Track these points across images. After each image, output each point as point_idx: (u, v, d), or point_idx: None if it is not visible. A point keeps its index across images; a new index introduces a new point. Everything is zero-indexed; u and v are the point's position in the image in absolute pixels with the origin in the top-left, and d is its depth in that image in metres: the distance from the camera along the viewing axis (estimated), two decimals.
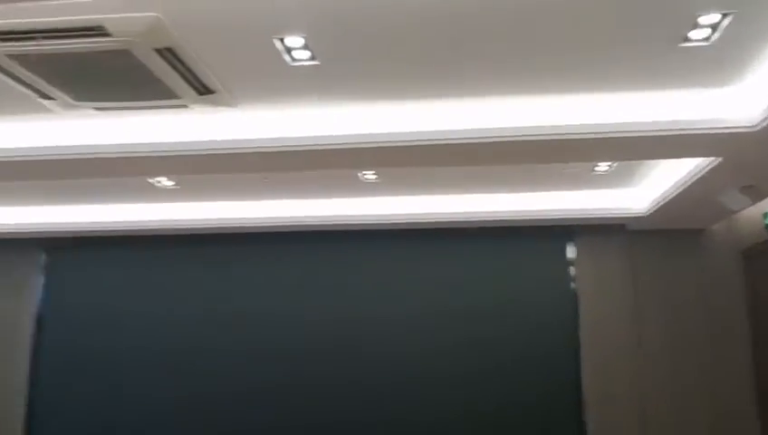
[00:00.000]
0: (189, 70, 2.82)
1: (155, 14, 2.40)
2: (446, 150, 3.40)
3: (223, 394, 5.36)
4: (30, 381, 5.58)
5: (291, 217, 5.10)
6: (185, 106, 3.18)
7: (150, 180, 4.40)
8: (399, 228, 5.25)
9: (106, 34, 2.48)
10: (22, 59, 2.64)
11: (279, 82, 3.02)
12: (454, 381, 5.18)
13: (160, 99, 3.09)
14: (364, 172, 4.30)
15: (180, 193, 4.83)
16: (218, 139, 3.38)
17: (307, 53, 2.75)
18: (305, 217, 5.08)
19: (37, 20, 2.39)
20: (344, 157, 3.51)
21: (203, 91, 3.04)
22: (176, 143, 3.45)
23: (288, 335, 5.42)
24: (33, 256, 5.79)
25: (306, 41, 2.64)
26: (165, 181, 4.49)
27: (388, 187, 4.67)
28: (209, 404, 5.38)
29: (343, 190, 4.80)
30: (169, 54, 2.67)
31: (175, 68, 2.78)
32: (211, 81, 2.96)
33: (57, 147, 3.48)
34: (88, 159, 3.50)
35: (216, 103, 3.18)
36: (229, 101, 3.19)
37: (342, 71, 2.93)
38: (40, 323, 5.72)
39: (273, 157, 3.47)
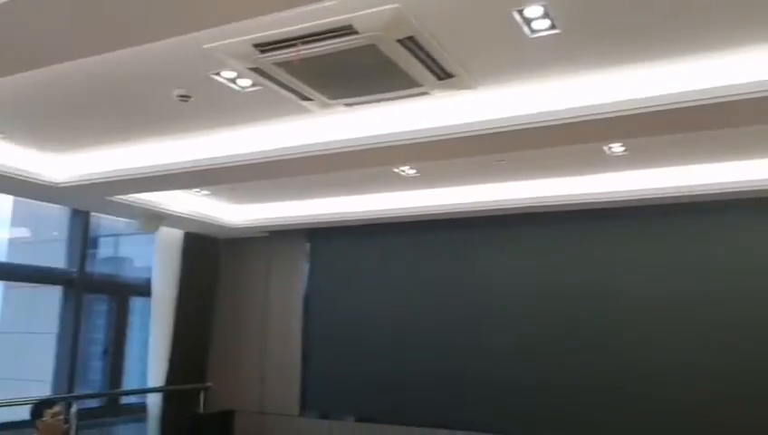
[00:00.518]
0: (430, 56, 2.88)
1: (395, 5, 2.49)
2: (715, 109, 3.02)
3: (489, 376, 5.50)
4: (302, 349, 6.40)
5: (531, 199, 5.00)
6: (426, 93, 3.27)
7: (395, 170, 4.63)
8: (647, 204, 4.86)
9: (353, 32, 2.65)
10: (287, 66, 2.94)
11: (518, 56, 2.95)
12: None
13: (403, 88, 3.22)
14: (610, 145, 4.03)
15: (421, 181, 5.03)
16: (460, 122, 3.41)
17: (546, 22, 2.64)
18: (546, 196, 4.94)
19: (295, 27, 2.63)
20: (595, 128, 3.30)
21: (443, 76, 3.09)
22: (419, 130, 3.57)
23: (549, 312, 5.35)
24: (301, 245, 6.54)
25: (546, 9, 2.53)
26: (408, 170, 4.70)
27: (636, 159, 4.32)
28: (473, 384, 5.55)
29: (588, 166, 4.55)
30: (411, 43, 2.76)
31: (416, 56, 2.86)
32: (451, 65, 2.99)
33: (314, 144, 3.81)
34: (341, 153, 3.78)
35: (456, 87, 3.22)
36: (469, 83, 3.20)
37: (585, 36, 2.75)
38: (306, 303, 6.46)
39: (517, 135, 3.40)
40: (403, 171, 4.71)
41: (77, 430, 5.28)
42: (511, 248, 5.62)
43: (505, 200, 5.09)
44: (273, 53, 2.84)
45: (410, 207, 5.50)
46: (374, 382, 5.98)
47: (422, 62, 2.91)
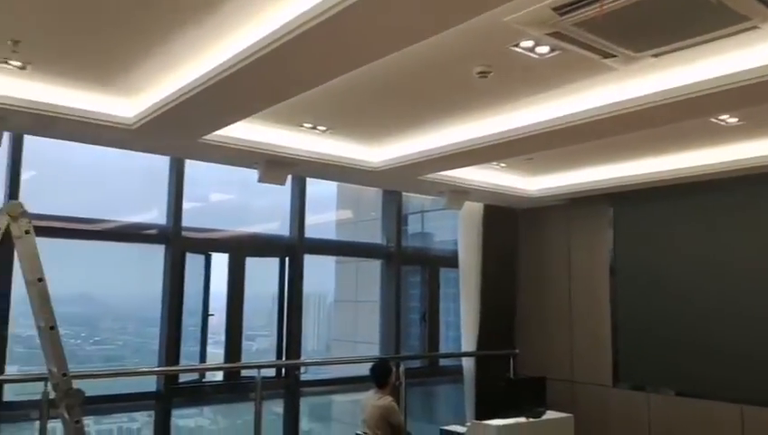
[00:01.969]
0: None
1: None
2: None
3: None
4: (612, 318, 6.19)
5: None
6: (755, 27, 2.85)
7: (714, 120, 4.14)
8: None
9: None
10: (588, 24, 2.83)
11: None
12: None
13: (725, 26, 2.85)
14: None
15: (746, 130, 4.40)
16: None
17: None
18: None
19: None
20: None
21: None
22: (743, 72, 3.13)
23: None
24: (603, 211, 6.31)
25: None
26: (729, 119, 4.16)
27: None
28: None
29: None
30: None
31: None
32: None
33: (621, 102, 3.61)
34: (653, 107, 3.52)
35: None
36: None
37: None
38: (613, 271, 6.21)
39: None
40: (723, 121, 4.18)
41: (406, 386, 5.93)
42: None
43: None
44: (574, 13, 2.75)
45: (731, 161, 4.86)
46: (695, 355, 5.48)
47: None
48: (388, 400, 4.71)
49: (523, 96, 3.90)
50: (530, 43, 3.13)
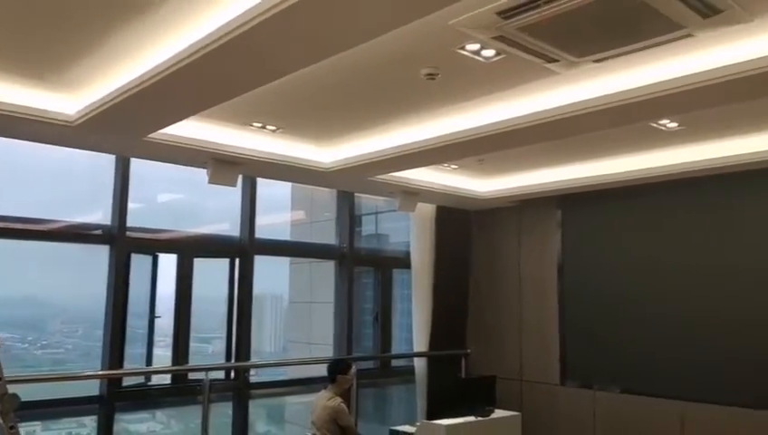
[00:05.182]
0: None
1: None
2: None
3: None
4: (559, 318, 6.32)
5: None
6: (689, 35, 2.94)
7: (654, 125, 4.26)
8: None
9: None
10: (531, 29, 2.88)
11: None
12: None
13: (661, 34, 2.93)
14: None
15: (686, 134, 4.55)
16: (732, 62, 3.02)
17: None
18: None
19: None
20: None
21: (708, 12, 2.75)
22: (681, 78, 3.24)
23: None
24: (552, 213, 6.45)
25: None
26: (669, 124, 4.29)
27: None
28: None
29: None
30: None
31: None
32: None
33: (563, 106, 3.69)
34: (594, 111, 3.60)
35: (726, 23, 2.83)
36: (742, 16, 2.80)
37: None
38: (561, 271, 6.35)
39: None
40: (664, 126, 4.31)
41: (358, 387, 5.92)
42: None
43: None
44: (517, 17, 2.80)
45: (672, 165, 5.02)
46: (640, 354, 5.63)
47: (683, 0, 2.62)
48: (337, 401, 4.69)
49: (471, 98, 3.94)
50: (476, 47, 3.17)
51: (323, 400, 4.75)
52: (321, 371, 5.12)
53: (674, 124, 4.30)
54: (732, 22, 2.84)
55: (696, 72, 3.19)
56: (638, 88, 3.37)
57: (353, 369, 5.03)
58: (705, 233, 5.36)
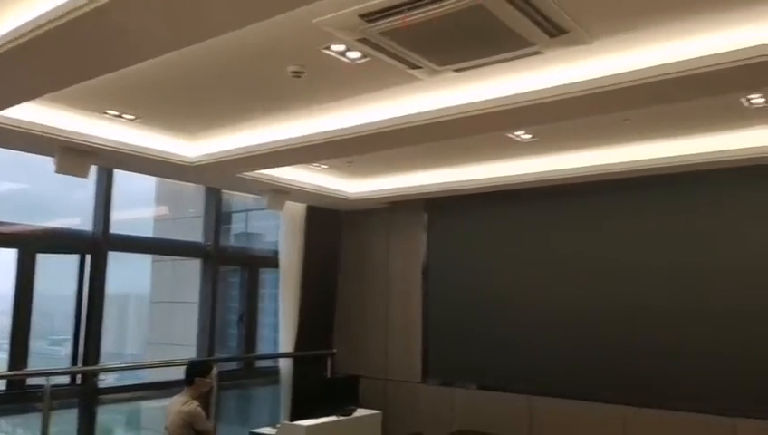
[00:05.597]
0: (539, 11, 2.75)
1: None
2: None
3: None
4: (423, 318, 6.49)
5: (661, 160, 4.68)
6: (539, 52, 3.14)
7: (510, 135, 4.50)
8: None
9: None
10: (394, 34, 2.93)
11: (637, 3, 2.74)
12: None
13: (514, 49, 3.10)
14: (749, 97, 3.66)
15: (538, 145, 4.85)
16: (575, 80, 3.25)
17: None
18: (681, 156, 4.60)
19: None
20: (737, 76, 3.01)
21: (555, 32, 2.95)
22: (532, 92, 3.44)
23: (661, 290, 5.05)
24: (419, 216, 6.62)
25: None
26: (523, 135, 4.55)
27: None
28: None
29: (728, 121, 4.17)
30: (519, 0, 2.65)
31: (525, 13, 2.74)
32: (563, 19, 2.84)
33: (425, 112, 3.79)
34: (453, 119, 3.73)
35: (570, 43, 3.05)
36: (584, 38, 3.03)
37: None
38: (426, 273, 6.54)
39: (642, 90, 3.18)
40: (518, 136, 4.56)
41: (218, 389, 5.74)
42: (638, 215, 5.32)
43: (632, 162, 4.79)
44: (380, 22, 2.84)
45: (526, 174, 5.34)
46: (497, 351, 5.94)
47: (531, 19, 2.79)
48: (193, 405, 4.50)
49: (338, 99, 3.95)
50: (341, 48, 3.18)
51: (178, 404, 4.54)
52: (183, 373, 4.89)
53: (528, 136, 4.57)
54: (575, 42, 3.06)
55: (546, 87, 3.40)
56: (495, 99, 3.54)
57: (214, 371, 4.87)
58: (562, 234, 5.72)
